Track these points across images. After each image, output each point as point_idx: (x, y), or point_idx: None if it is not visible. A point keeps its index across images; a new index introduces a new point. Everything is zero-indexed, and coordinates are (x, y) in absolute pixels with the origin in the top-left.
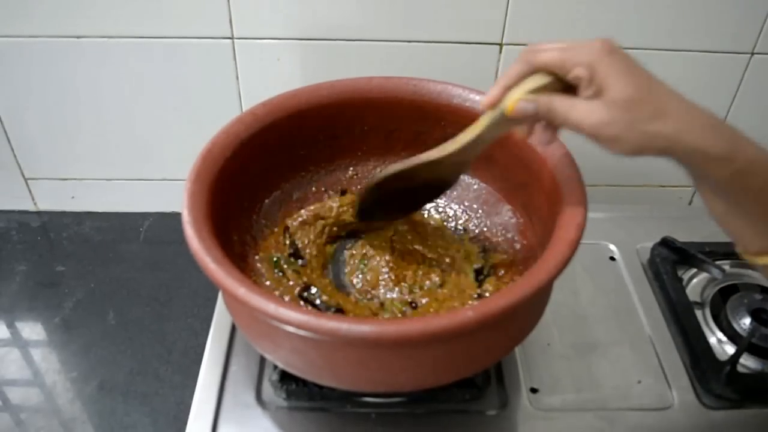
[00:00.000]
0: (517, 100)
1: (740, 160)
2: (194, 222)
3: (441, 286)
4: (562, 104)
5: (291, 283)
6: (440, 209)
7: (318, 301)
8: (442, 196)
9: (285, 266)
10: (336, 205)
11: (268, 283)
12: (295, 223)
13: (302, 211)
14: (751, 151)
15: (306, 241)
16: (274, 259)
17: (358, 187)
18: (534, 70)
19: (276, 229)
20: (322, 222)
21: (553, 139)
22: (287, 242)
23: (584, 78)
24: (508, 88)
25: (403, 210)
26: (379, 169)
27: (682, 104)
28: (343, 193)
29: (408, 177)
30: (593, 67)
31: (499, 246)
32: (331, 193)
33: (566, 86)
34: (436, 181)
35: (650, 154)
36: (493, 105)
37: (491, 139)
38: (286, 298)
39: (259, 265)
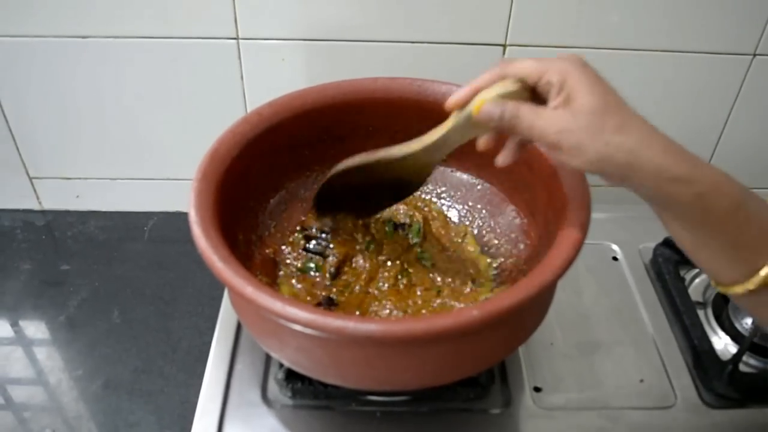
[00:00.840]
0: (484, 101)
1: (702, 183)
2: (201, 221)
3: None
4: (528, 112)
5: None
6: (444, 208)
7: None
8: (411, 194)
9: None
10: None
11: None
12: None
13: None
14: (713, 175)
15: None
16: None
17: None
18: (506, 76)
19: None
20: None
21: (513, 157)
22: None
23: (555, 84)
24: (478, 91)
25: (366, 209)
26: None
27: (645, 124)
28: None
29: (370, 171)
30: (565, 74)
31: (503, 246)
32: None
33: (535, 99)
34: (400, 181)
35: (610, 169)
36: (460, 105)
37: (456, 143)
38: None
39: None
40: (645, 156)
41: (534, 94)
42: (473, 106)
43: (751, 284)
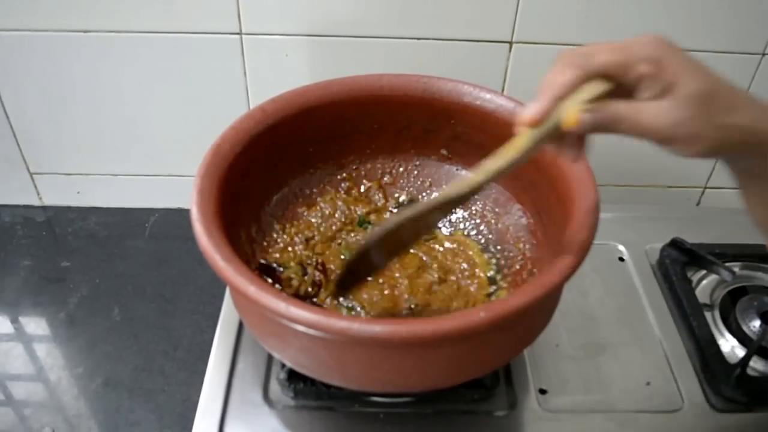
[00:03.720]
0: (578, 111)
1: None
2: (203, 219)
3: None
4: (628, 110)
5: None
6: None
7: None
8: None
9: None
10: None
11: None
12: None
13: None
14: None
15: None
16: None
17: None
18: (590, 76)
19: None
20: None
21: (581, 155)
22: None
23: (649, 75)
24: (560, 99)
25: (387, 257)
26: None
27: (748, 95)
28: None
29: (418, 220)
30: (660, 62)
31: (508, 246)
32: (340, 188)
33: (620, 93)
34: (442, 214)
35: (725, 152)
36: (543, 120)
37: (523, 162)
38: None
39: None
40: (761, 129)
41: (623, 85)
42: (564, 117)
43: None
